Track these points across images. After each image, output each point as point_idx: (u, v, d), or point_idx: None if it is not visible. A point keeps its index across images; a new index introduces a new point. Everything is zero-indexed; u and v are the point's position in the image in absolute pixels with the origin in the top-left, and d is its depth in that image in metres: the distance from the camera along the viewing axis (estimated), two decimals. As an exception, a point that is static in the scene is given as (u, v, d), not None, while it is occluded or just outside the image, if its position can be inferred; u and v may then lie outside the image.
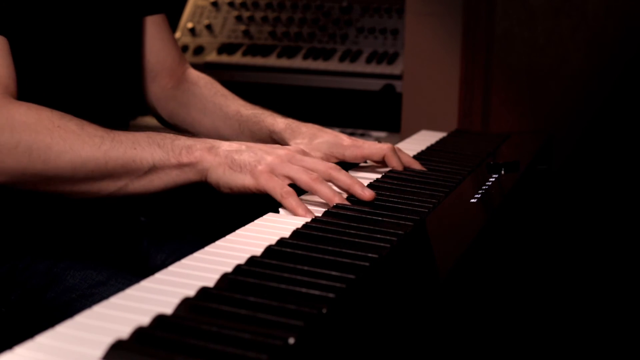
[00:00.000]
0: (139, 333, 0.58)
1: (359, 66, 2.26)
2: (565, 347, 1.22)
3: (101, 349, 0.56)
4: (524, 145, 1.44)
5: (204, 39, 2.52)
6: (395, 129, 2.25)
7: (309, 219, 0.90)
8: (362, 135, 2.23)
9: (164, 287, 0.68)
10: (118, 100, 1.22)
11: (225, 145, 0.96)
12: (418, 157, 1.22)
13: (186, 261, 0.76)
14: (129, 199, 1.22)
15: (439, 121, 2.12)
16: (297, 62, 2.33)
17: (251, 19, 2.51)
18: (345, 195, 0.97)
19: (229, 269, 0.72)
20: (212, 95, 1.31)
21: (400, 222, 0.88)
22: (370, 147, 1.13)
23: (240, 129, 1.24)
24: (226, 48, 2.45)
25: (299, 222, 0.88)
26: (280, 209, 0.94)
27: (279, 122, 1.20)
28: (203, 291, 0.66)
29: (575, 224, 1.74)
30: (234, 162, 0.94)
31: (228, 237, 0.84)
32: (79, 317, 0.61)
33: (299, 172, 0.94)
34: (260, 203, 0.97)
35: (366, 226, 0.86)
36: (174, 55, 1.33)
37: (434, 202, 0.96)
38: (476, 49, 2.11)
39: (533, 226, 1.36)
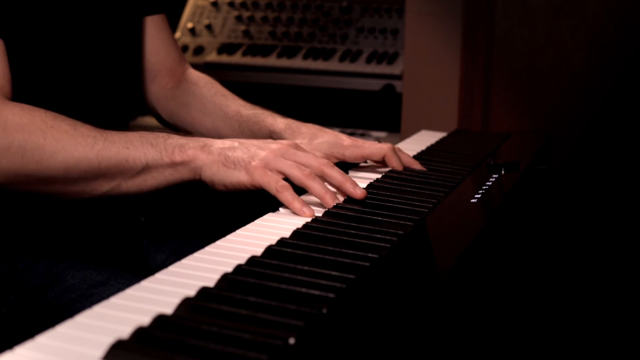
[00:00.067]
0: (139, 333, 0.58)
1: (359, 66, 2.26)
2: (565, 347, 1.22)
3: (101, 349, 0.56)
4: (524, 145, 1.44)
5: (204, 39, 2.52)
6: (395, 129, 2.25)
7: (308, 219, 0.90)
8: (362, 135, 2.23)
9: (164, 287, 0.69)
10: (118, 100, 1.22)
11: (218, 143, 0.96)
12: (418, 157, 1.22)
13: (186, 261, 0.76)
14: (129, 199, 1.22)
15: (439, 121, 2.12)
16: (297, 62, 2.33)
17: (251, 19, 2.51)
18: (337, 193, 0.97)
19: (229, 269, 0.72)
20: (212, 95, 1.31)
21: (400, 222, 0.88)
22: (370, 147, 1.13)
23: (240, 129, 1.25)
24: (226, 48, 2.45)
25: (299, 222, 0.88)
26: (280, 208, 0.95)
27: (279, 122, 1.20)
28: (203, 291, 0.66)
29: (575, 224, 1.74)
30: (227, 159, 0.94)
31: (228, 237, 0.84)
32: (79, 317, 0.61)
33: (291, 168, 0.94)
34: (260, 203, 0.97)
35: (366, 226, 0.86)
36: (173, 56, 1.33)
37: (434, 202, 0.96)
38: (476, 49, 2.11)
39: (533, 226, 1.36)
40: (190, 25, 2.54)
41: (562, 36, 2.08)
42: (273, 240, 0.81)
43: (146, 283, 0.69)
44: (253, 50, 2.42)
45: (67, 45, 1.08)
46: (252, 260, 0.74)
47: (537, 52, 2.10)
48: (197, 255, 0.78)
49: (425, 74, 2.16)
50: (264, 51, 2.40)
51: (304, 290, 0.67)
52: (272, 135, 1.19)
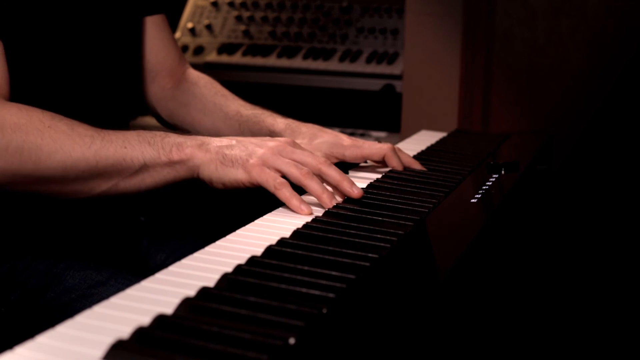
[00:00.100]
0: (139, 333, 0.58)
1: (359, 66, 2.26)
2: (565, 347, 1.22)
3: (101, 349, 0.56)
4: (524, 145, 1.44)
5: (204, 39, 2.52)
6: (395, 129, 2.25)
7: (307, 217, 0.90)
8: (362, 135, 2.23)
9: (164, 287, 0.69)
10: (118, 100, 1.22)
11: (216, 141, 0.97)
12: (418, 157, 1.22)
13: (186, 261, 0.76)
14: (129, 199, 1.22)
15: (439, 121, 2.12)
16: (297, 62, 2.33)
17: (251, 19, 2.51)
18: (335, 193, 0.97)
19: (229, 269, 0.72)
20: (212, 96, 1.31)
21: (401, 222, 0.88)
22: (371, 147, 1.13)
23: (240, 129, 1.25)
24: (226, 48, 2.45)
25: (299, 222, 0.88)
26: (280, 208, 0.95)
27: (279, 122, 1.20)
28: (203, 291, 0.66)
29: (575, 224, 1.74)
30: (225, 157, 0.94)
31: (228, 237, 0.84)
32: (79, 317, 0.61)
33: (289, 166, 0.94)
34: (260, 203, 0.97)
35: (366, 226, 0.86)
36: (173, 56, 1.33)
37: (434, 202, 0.96)
38: (476, 49, 2.11)
39: (533, 226, 1.36)
40: (190, 25, 2.54)
41: (562, 36, 2.08)
42: (273, 240, 0.81)
43: (146, 283, 0.69)
44: (253, 50, 2.42)
45: (67, 46, 1.08)
46: (252, 260, 0.74)
47: (537, 52, 2.10)
48: (197, 255, 0.78)
49: (425, 74, 2.16)
50: (264, 51, 2.40)
51: (304, 290, 0.67)
52: (272, 135, 1.19)
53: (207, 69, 2.33)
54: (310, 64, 2.31)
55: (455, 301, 0.79)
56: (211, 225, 1.12)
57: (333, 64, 2.29)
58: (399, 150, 1.16)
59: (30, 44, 1.03)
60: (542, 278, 1.35)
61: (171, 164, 0.95)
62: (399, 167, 1.12)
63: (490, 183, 1.08)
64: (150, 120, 2.16)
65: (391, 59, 2.26)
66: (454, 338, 0.81)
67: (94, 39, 1.13)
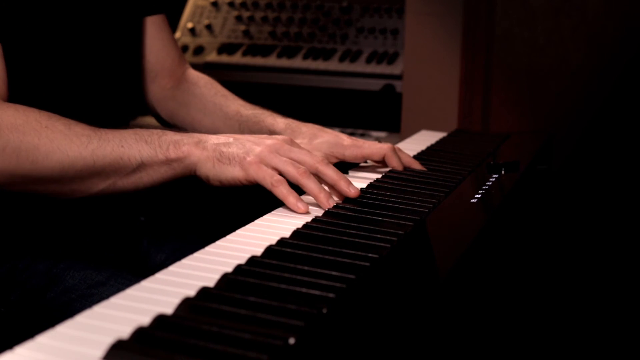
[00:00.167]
0: (139, 333, 0.58)
1: (359, 66, 2.26)
2: (565, 347, 1.22)
3: (101, 349, 0.56)
4: (524, 145, 1.45)
5: (204, 39, 2.52)
6: (395, 129, 2.25)
7: (303, 214, 0.90)
8: (362, 135, 2.23)
9: (164, 287, 0.69)
10: (118, 100, 1.22)
11: (213, 139, 0.96)
12: (418, 157, 1.22)
13: (186, 261, 0.76)
14: (129, 199, 1.22)
15: (439, 121, 2.12)
16: (297, 62, 2.33)
17: (251, 19, 2.50)
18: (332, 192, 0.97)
19: (229, 269, 0.72)
20: (212, 96, 1.31)
21: (401, 222, 0.88)
22: (371, 147, 1.13)
23: (240, 129, 1.25)
24: (226, 48, 2.45)
25: (299, 222, 0.88)
26: (280, 208, 0.95)
27: (279, 122, 1.20)
28: (203, 291, 0.66)
29: (575, 224, 1.74)
30: (222, 155, 0.94)
31: (228, 237, 0.84)
32: (79, 317, 0.61)
33: (286, 165, 0.94)
34: (260, 203, 0.97)
35: (366, 226, 0.86)
36: (173, 56, 1.33)
37: (434, 202, 0.96)
38: (476, 49, 2.11)
39: (533, 226, 1.36)
40: (190, 25, 2.54)
41: (562, 36, 2.08)
42: (273, 240, 0.81)
43: (146, 283, 0.69)
44: (253, 50, 2.42)
45: (67, 46, 1.08)
46: (252, 260, 0.74)
47: (537, 52, 2.10)
48: (197, 255, 0.78)
49: (425, 74, 2.16)
50: (264, 51, 2.40)
51: (304, 290, 0.67)
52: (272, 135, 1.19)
53: (207, 69, 2.33)
54: (310, 64, 2.31)
55: (455, 301, 0.79)
56: (211, 225, 1.12)
57: (333, 64, 2.29)
58: (399, 150, 1.16)
59: (30, 44, 1.03)
60: (542, 278, 1.35)
61: (168, 162, 0.95)
62: (399, 167, 1.12)
63: (490, 183, 1.08)
64: (150, 120, 2.16)
65: (391, 59, 2.26)
66: (454, 338, 0.81)
67: (93, 39, 1.13)
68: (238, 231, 0.86)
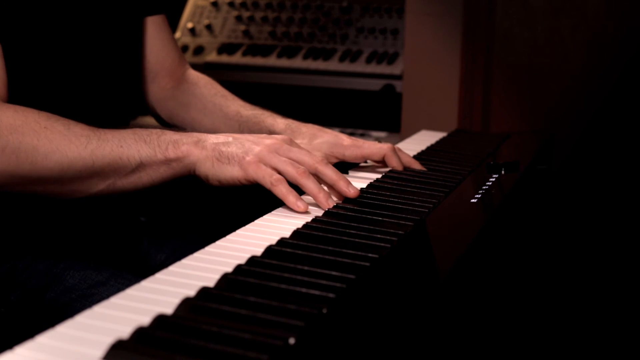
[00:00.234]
0: (139, 333, 0.58)
1: (359, 66, 2.26)
2: (565, 347, 1.22)
3: (101, 349, 0.56)
4: (524, 145, 1.45)
5: (204, 39, 2.52)
6: (395, 129, 2.25)
7: (303, 213, 0.90)
8: (362, 135, 2.23)
9: (164, 287, 0.69)
10: (118, 100, 1.22)
11: (212, 138, 0.96)
12: (418, 157, 1.22)
13: (186, 261, 0.76)
14: (129, 199, 1.22)
15: (439, 121, 2.12)
16: (297, 62, 2.33)
17: (251, 19, 2.50)
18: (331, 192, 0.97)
19: (229, 269, 0.72)
20: (212, 96, 1.31)
21: (401, 222, 0.88)
22: (371, 147, 1.13)
23: (240, 129, 1.25)
24: (226, 48, 2.45)
25: (299, 222, 0.88)
26: (279, 208, 0.95)
27: (279, 123, 1.20)
28: (203, 291, 0.66)
29: (575, 224, 1.74)
30: (221, 154, 0.94)
31: (228, 237, 0.84)
32: (79, 317, 0.61)
33: (285, 164, 0.94)
34: (260, 203, 0.97)
35: (366, 226, 0.86)
36: (173, 56, 1.33)
37: (434, 202, 0.96)
38: (476, 49, 2.11)
39: (533, 226, 1.36)
40: (190, 25, 2.54)
41: (562, 36, 2.08)
42: (273, 240, 0.81)
43: (146, 283, 0.69)
44: (253, 50, 2.42)
45: (67, 46, 1.08)
46: (252, 260, 0.74)
47: (537, 52, 2.10)
48: (197, 255, 0.78)
49: (425, 74, 2.16)
50: (264, 51, 2.40)
51: (304, 290, 0.67)
52: (272, 135, 1.19)
53: (207, 69, 2.33)
54: (310, 64, 2.31)
55: (455, 301, 0.79)
56: (211, 225, 1.12)
57: (333, 64, 2.29)
58: (399, 150, 1.16)
59: (30, 44, 1.03)
60: (542, 278, 1.35)
61: (167, 161, 0.95)
62: (399, 167, 1.12)
63: (490, 183, 1.08)
64: (150, 120, 2.16)
65: (391, 59, 2.26)
66: (454, 338, 0.81)
67: (93, 39, 1.13)
68: (238, 231, 0.86)
